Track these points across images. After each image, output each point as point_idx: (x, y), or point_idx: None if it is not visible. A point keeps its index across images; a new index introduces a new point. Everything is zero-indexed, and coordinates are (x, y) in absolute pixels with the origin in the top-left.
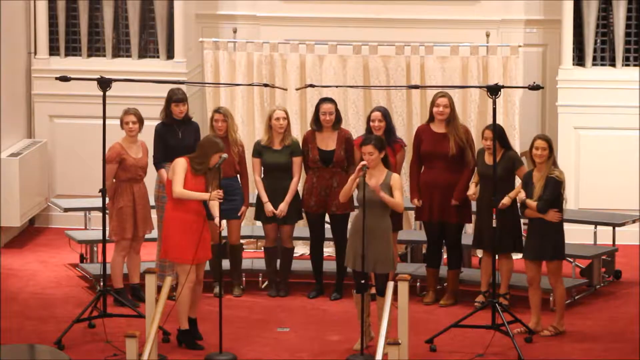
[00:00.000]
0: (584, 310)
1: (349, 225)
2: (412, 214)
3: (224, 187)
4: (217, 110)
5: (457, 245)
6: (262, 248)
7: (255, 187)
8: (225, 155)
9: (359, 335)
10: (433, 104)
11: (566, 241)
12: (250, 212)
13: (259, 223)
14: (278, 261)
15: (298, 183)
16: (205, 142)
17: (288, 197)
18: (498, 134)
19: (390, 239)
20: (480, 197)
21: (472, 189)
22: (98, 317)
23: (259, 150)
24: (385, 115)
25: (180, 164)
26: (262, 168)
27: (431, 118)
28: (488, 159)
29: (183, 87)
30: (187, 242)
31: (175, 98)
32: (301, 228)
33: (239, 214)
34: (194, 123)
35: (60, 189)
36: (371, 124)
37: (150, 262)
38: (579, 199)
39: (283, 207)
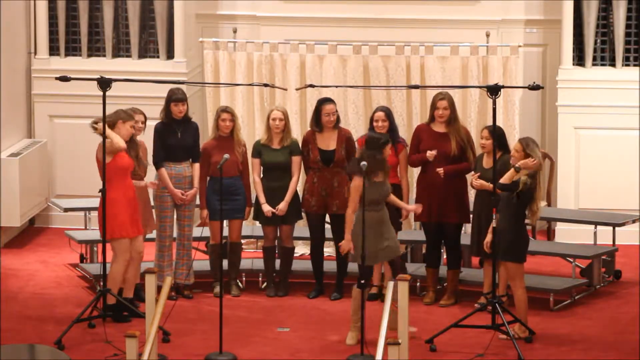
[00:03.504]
0: (584, 310)
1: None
2: (411, 214)
3: (226, 186)
4: (225, 110)
5: (456, 245)
6: (262, 248)
7: (254, 188)
8: (227, 155)
9: (359, 335)
10: (434, 106)
11: (566, 241)
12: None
13: (259, 223)
14: (278, 261)
15: (297, 182)
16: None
17: (288, 197)
18: (497, 135)
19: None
20: (477, 203)
21: (475, 177)
22: (98, 317)
23: (259, 149)
24: (389, 115)
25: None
26: (261, 168)
27: (432, 118)
28: (487, 163)
29: (183, 87)
30: (125, 220)
31: (174, 98)
32: (301, 228)
33: (243, 215)
34: (193, 123)
35: (60, 189)
36: (374, 124)
37: (151, 262)
38: (579, 199)
39: (283, 206)
